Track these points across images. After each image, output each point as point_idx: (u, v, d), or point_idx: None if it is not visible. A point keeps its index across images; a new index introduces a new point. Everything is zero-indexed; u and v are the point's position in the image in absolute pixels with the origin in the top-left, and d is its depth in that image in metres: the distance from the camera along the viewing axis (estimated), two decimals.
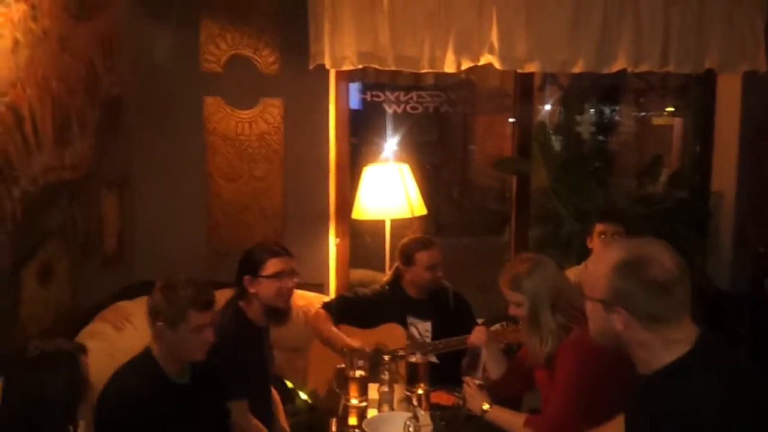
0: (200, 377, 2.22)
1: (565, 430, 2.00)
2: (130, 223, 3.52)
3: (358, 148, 4.45)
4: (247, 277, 2.53)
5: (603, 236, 3.12)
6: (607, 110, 6.41)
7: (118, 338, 2.80)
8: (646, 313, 1.44)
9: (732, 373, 1.44)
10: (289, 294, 2.58)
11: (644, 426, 1.49)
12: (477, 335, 2.55)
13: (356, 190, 3.58)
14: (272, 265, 2.52)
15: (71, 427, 1.72)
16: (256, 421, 2.47)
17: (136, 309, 3.05)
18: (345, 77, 3.65)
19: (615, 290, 1.47)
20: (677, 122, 5.85)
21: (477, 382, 2.36)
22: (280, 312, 2.58)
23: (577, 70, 3.32)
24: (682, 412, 1.38)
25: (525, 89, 3.83)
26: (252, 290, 2.53)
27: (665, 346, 1.46)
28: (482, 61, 3.29)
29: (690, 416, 1.37)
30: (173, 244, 3.59)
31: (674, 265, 1.46)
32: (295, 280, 2.59)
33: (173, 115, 3.57)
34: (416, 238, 3.13)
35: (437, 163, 6.76)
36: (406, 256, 3.07)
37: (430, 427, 1.92)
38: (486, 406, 2.25)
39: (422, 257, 3.02)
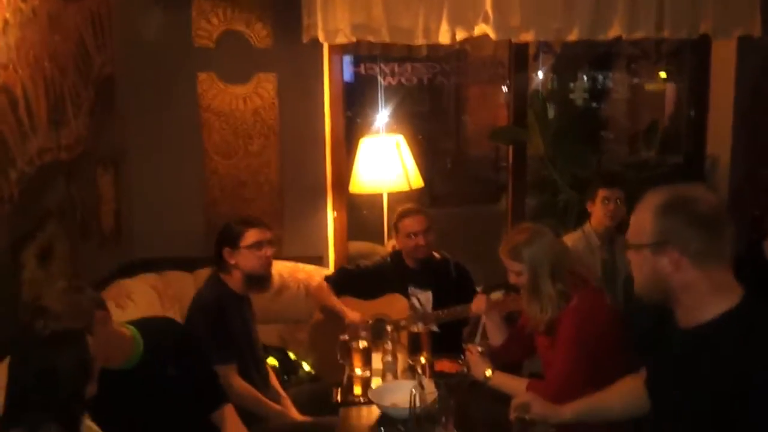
0: (156, 354, 2.10)
1: (568, 393, 2.02)
2: (127, 202, 3.52)
3: (353, 120, 4.44)
4: (227, 249, 2.60)
5: (606, 202, 3.13)
6: (600, 77, 6.40)
7: (121, 316, 2.78)
8: (697, 249, 1.43)
9: None
10: (269, 262, 2.66)
11: (694, 380, 1.47)
12: (478, 304, 2.58)
13: (352, 162, 3.58)
14: (251, 236, 2.60)
15: (80, 406, 1.72)
16: (244, 384, 2.51)
17: (137, 286, 3.09)
18: (338, 50, 3.62)
19: (664, 230, 1.45)
20: (669, 88, 5.85)
21: (479, 349, 2.39)
22: (261, 279, 2.66)
23: (572, 38, 3.30)
24: (741, 364, 1.38)
25: (520, 58, 3.81)
26: (232, 261, 2.60)
27: (713, 290, 1.45)
28: (477, 32, 3.26)
29: (747, 370, 1.37)
30: (170, 221, 3.60)
31: (717, 203, 1.47)
32: (274, 248, 2.69)
33: (167, 92, 3.55)
34: (404, 207, 3.16)
35: (431, 134, 6.75)
36: (395, 225, 3.15)
37: (435, 395, 1.95)
38: (489, 373, 2.29)
39: (404, 224, 3.08)
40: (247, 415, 2.39)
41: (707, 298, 1.45)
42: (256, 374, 2.68)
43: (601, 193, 3.15)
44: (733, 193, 3.81)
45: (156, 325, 2.22)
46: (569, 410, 1.88)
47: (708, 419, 1.43)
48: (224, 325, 2.54)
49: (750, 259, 2.96)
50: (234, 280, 2.64)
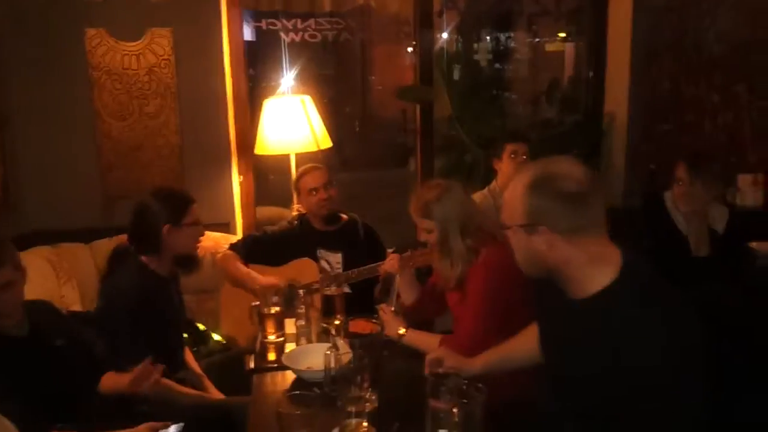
0: (42, 325, 2.08)
1: (479, 346, 2.06)
2: (14, 168, 3.27)
3: (256, 80, 4.29)
4: (167, 227, 2.34)
5: (514, 156, 3.19)
6: (502, 37, 6.48)
7: None
8: (566, 226, 1.43)
9: (665, 299, 1.45)
10: (200, 242, 2.49)
11: (583, 350, 1.50)
12: (391, 263, 2.57)
13: (257, 124, 3.46)
14: (194, 212, 2.39)
15: None
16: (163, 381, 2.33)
17: (30, 259, 2.87)
18: (237, 3, 3.46)
19: (532, 210, 1.46)
20: (569, 48, 5.99)
21: (392, 308, 2.38)
22: (192, 259, 2.48)
23: None
24: (624, 340, 1.39)
25: (424, 15, 3.78)
26: (170, 240, 2.35)
27: (591, 262, 1.46)
28: None
29: (633, 345, 1.38)
30: (64, 189, 3.39)
31: (584, 177, 1.46)
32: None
33: (53, 49, 3.31)
34: (302, 167, 3.11)
35: (338, 97, 6.66)
36: (296, 186, 3.10)
37: (350, 355, 1.92)
38: (402, 331, 2.29)
39: (304, 182, 3.03)
40: None
41: (588, 270, 1.46)
42: (180, 356, 2.57)
43: (509, 147, 3.20)
44: (631, 148, 3.97)
45: (35, 303, 2.17)
46: (480, 362, 1.92)
47: (590, 388, 1.47)
48: (145, 319, 2.30)
49: (650, 210, 3.10)
50: (159, 262, 2.41)
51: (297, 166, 3.46)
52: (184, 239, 2.39)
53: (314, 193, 3.01)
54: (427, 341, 2.24)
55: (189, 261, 2.47)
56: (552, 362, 1.68)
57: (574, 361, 1.53)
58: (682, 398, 1.38)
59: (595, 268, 1.46)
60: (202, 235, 2.47)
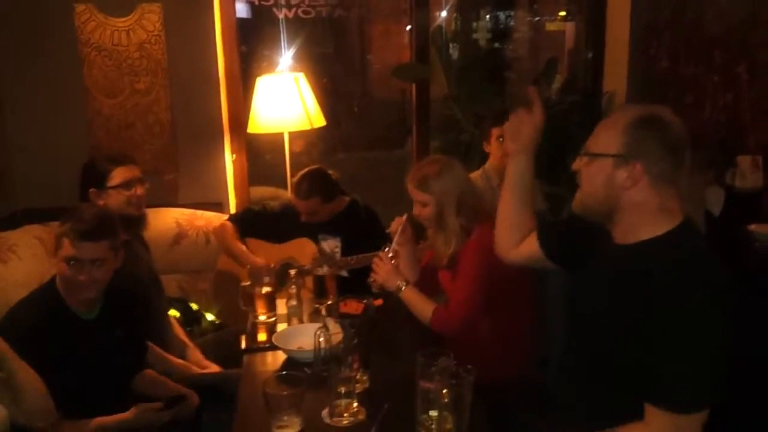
0: (111, 312, 2.12)
1: (469, 321, 2.09)
2: (3, 146, 3.23)
3: (249, 57, 4.22)
4: (93, 190, 2.41)
5: (501, 139, 3.11)
6: (502, 16, 6.40)
7: (3, 271, 2.61)
8: (659, 170, 1.43)
9: (711, 260, 1.45)
10: (141, 202, 2.48)
11: (623, 294, 1.48)
12: (397, 222, 2.47)
13: (250, 102, 3.41)
14: (118, 175, 2.42)
15: None
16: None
17: (20, 238, 2.87)
18: None
19: (635, 144, 1.43)
20: (569, 27, 5.92)
21: (391, 259, 2.32)
22: (134, 220, 2.48)
23: None
24: (667, 284, 1.38)
25: None
26: (100, 203, 2.40)
27: (658, 212, 1.45)
28: None
29: (673, 290, 1.37)
30: (54, 167, 3.33)
31: (684, 131, 1.45)
32: (146, 186, 2.49)
33: (41, 26, 3.25)
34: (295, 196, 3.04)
35: (336, 76, 6.59)
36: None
37: (340, 335, 1.90)
38: (403, 285, 2.26)
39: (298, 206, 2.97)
40: None
41: (650, 218, 1.46)
42: (160, 318, 2.57)
43: (495, 131, 3.11)
44: None
45: (120, 282, 2.16)
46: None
47: (625, 335, 1.45)
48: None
49: None
50: None
51: (290, 145, 3.42)
52: (113, 202, 2.41)
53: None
54: (422, 306, 2.23)
55: (131, 222, 2.46)
56: (590, 314, 1.62)
57: (616, 306, 1.50)
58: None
59: (657, 217, 1.46)
60: (139, 194, 2.46)
